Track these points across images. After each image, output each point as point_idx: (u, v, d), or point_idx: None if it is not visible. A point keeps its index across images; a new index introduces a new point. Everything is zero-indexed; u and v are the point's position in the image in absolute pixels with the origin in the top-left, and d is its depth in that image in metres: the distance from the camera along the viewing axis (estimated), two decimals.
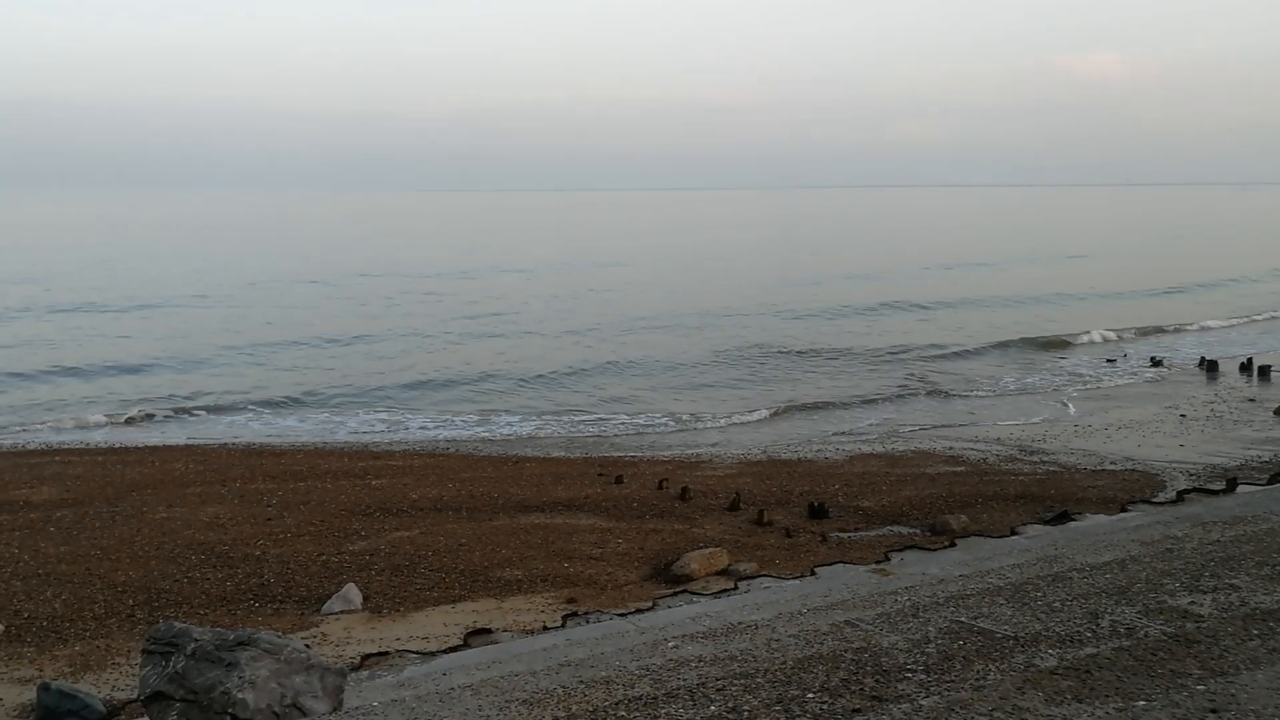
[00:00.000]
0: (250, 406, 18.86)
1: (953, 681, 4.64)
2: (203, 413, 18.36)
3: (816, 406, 18.40)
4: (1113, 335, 26.27)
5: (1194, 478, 11.53)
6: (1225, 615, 5.43)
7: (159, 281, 42.20)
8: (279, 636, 4.82)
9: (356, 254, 60.13)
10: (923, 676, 4.72)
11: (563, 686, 4.84)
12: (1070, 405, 17.70)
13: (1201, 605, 5.61)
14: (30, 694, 6.19)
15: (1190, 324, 28.78)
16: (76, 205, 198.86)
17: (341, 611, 7.66)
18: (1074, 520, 8.90)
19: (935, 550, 7.98)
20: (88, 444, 15.40)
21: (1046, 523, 8.96)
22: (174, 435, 16.56)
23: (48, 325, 30.09)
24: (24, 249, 65.07)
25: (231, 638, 4.68)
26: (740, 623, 5.79)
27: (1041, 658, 4.90)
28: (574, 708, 4.54)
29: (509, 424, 17.39)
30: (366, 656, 6.24)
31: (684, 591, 7.53)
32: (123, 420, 17.64)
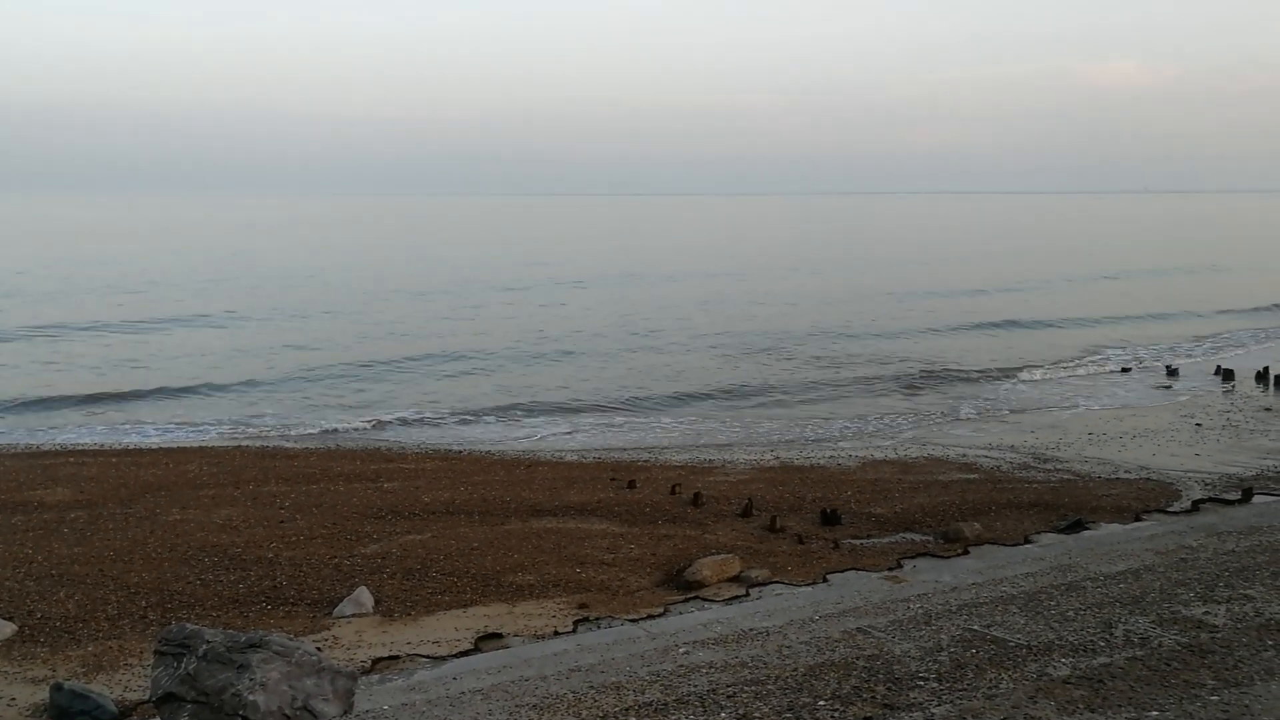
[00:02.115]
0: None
1: (965, 690, 4.62)
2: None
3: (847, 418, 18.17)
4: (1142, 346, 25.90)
5: (1209, 487, 11.46)
6: (1240, 626, 5.39)
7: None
8: (290, 639, 4.83)
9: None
10: (935, 685, 4.70)
11: (573, 692, 4.84)
12: (1085, 413, 17.62)
13: (1216, 615, 5.57)
14: (43, 694, 6.22)
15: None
16: (103, 208, 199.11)
17: (353, 615, 7.67)
18: (1088, 529, 8.86)
19: (948, 558, 7.95)
20: (102, 445, 15.47)
21: (1060, 531, 8.92)
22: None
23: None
24: (78, 251, 65.03)
25: (243, 640, 4.70)
26: (752, 629, 5.78)
27: (1054, 667, 4.88)
28: (584, 713, 4.54)
29: (536, 427, 17.49)
30: (377, 660, 6.25)
31: (696, 598, 7.51)
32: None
